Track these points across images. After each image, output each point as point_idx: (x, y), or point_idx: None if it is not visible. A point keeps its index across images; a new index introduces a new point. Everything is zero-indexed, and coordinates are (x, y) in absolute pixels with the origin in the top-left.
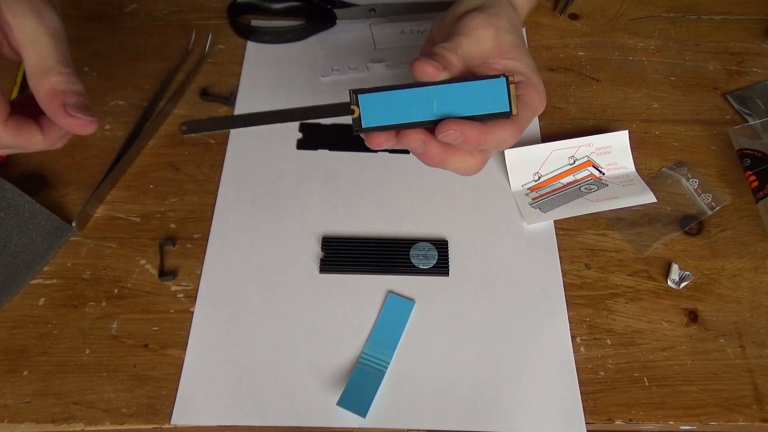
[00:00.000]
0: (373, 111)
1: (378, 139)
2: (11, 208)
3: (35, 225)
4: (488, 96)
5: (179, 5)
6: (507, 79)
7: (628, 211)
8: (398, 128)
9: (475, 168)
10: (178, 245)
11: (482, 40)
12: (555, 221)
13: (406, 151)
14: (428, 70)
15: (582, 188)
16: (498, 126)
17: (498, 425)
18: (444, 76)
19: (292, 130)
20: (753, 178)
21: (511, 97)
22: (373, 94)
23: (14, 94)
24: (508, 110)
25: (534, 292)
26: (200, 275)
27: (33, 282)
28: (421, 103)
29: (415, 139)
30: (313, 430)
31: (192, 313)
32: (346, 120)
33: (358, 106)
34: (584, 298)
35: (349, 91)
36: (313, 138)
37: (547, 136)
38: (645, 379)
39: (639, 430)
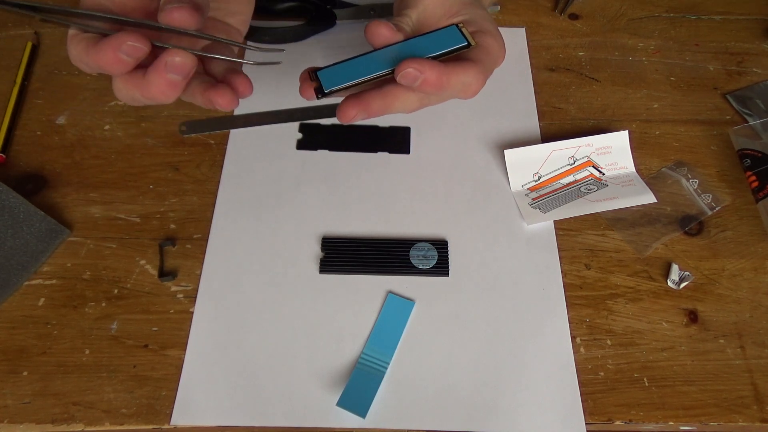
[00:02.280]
0: (332, 79)
1: (349, 112)
2: (6, 210)
3: (30, 227)
4: (444, 40)
5: None
6: (458, 25)
7: (628, 211)
8: (359, 85)
9: (414, 106)
10: (178, 245)
11: (430, 7)
12: (555, 221)
13: (403, 145)
14: (382, 31)
15: (582, 188)
16: (460, 67)
17: (498, 426)
18: (399, 37)
19: (292, 130)
20: (753, 178)
21: (466, 35)
22: (331, 67)
23: (7, 114)
24: (467, 43)
25: (534, 292)
26: (200, 275)
27: (33, 282)
28: (380, 61)
29: (351, 115)
30: (312, 431)
31: (192, 313)
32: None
33: (318, 79)
34: (584, 299)
35: (308, 71)
36: (313, 138)
37: (547, 137)
38: (645, 379)
39: (639, 430)
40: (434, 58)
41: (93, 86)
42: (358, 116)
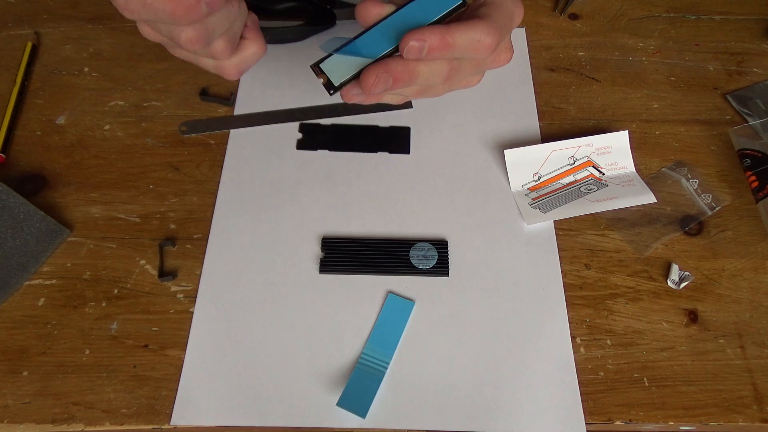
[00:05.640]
0: (337, 70)
1: (369, 78)
2: (5, 210)
3: (30, 227)
4: (438, 2)
5: None
6: None
7: (628, 211)
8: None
9: (444, 71)
10: (178, 245)
11: None
12: (555, 221)
13: (403, 145)
14: (371, 10)
15: (582, 188)
16: (465, 25)
17: (498, 426)
18: (389, 9)
19: (292, 130)
20: (753, 178)
21: None
22: (332, 56)
23: (7, 114)
24: (462, 1)
25: (534, 292)
26: (200, 275)
27: (33, 282)
28: (380, 39)
29: (371, 81)
30: (312, 431)
31: (192, 313)
32: (347, 120)
33: (324, 73)
34: (584, 299)
35: (311, 67)
36: (313, 138)
37: (547, 137)
38: (645, 379)
39: (639, 430)
40: (434, 23)
41: (93, 86)
42: (380, 80)
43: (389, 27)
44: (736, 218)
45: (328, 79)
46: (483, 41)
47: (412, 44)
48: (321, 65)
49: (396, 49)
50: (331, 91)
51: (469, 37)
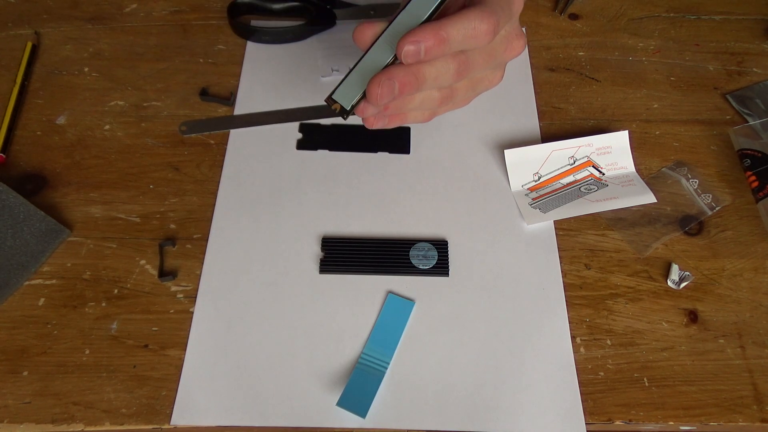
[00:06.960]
0: (348, 95)
1: (373, 89)
2: (6, 210)
3: (30, 227)
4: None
5: (179, 5)
6: None
7: (628, 211)
8: None
9: (454, 72)
10: (178, 245)
11: None
12: (555, 221)
13: (403, 145)
14: (367, 32)
15: (582, 188)
16: (456, 15)
17: (498, 426)
18: (382, 25)
19: (292, 130)
20: (753, 178)
21: None
22: (342, 85)
23: (7, 114)
24: None
25: (534, 292)
26: (200, 275)
27: (33, 282)
28: (380, 54)
29: (375, 92)
30: (312, 431)
31: (192, 313)
32: (347, 120)
33: (337, 102)
34: (584, 299)
35: (325, 100)
36: (313, 138)
37: (547, 137)
38: (645, 379)
39: (639, 430)
40: (426, 22)
41: (93, 86)
42: (384, 88)
43: (386, 40)
44: (736, 218)
45: (341, 106)
46: (478, 28)
47: (407, 48)
48: (333, 96)
49: (395, 57)
50: (345, 116)
51: (462, 26)
